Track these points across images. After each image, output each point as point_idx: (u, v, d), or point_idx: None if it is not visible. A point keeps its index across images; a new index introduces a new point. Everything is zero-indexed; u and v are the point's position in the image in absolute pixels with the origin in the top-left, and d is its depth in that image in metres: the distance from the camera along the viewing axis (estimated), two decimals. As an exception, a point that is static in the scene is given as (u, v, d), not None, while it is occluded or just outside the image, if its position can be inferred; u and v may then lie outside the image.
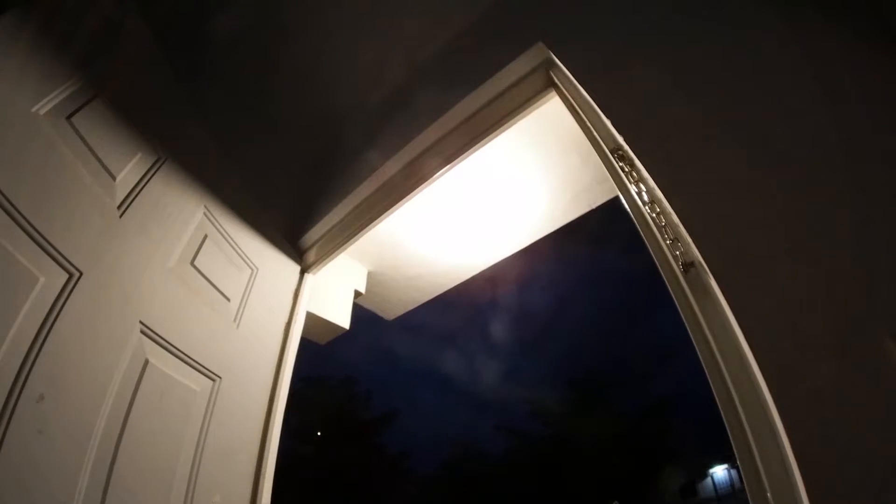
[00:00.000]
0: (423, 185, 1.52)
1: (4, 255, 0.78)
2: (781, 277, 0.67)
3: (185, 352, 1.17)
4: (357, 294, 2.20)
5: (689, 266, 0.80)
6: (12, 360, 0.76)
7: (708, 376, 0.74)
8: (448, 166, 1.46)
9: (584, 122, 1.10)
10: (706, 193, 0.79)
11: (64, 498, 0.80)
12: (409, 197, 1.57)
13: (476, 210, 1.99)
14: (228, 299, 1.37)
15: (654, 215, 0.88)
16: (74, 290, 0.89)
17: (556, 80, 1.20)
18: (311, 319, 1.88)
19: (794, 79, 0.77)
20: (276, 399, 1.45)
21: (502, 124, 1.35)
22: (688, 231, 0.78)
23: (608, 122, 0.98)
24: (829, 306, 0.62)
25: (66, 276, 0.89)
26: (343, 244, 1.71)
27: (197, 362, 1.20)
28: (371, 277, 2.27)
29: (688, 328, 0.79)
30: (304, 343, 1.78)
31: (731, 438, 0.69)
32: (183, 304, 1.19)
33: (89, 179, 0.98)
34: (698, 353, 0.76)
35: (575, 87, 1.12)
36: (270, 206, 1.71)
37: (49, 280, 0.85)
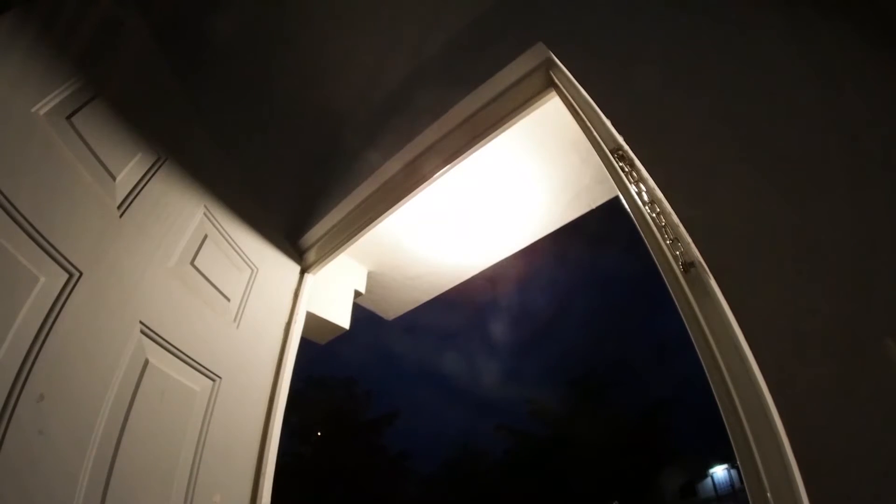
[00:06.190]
0: (423, 185, 1.52)
1: (4, 255, 0.78)
2: (781, 277, 0.67)
3: (185, 352, 1.17)
4: (357, 294, 2.20)
5: (689, 266, 0.80)
6: (12, 360, 0.76)
7: (708, 376, 0.74)
8: (448, 166, 1.46)
9: (584, 122, 1.10)
10: (706, 193, 0.79)
11: (64, 498, 0.80)
12: (409, 197, 1.57)
13: (476, 210, 1.98)
14: (228, 299, 1.37)
15: (654, 215, 0.88)
16: (74, 291, 0.89)
17: (556, 80, 1.20)
18: (311, 319, 1.88)
19: (793, 78, 0.77)
20: (276, 399, 1.45)
21: (502, 124, 1.35)
22: (688, 231, 0.78)
23: (608, 122, 0.98)
24: (828, 306, 0.62)
25: (66, 276, 0.89)
26: (343, 244, 1.71)
27: (197, 362, 1.20)
28: (371, 277, 2.27)
29: (688, 328, 0.79)
30: (305, 343, 1.78)
31: (731, 438, 0.69)
32: (183, 304, 1.19)
33: (89, 179, 0.98)
34: (698, 353, 0.76)
35: (575, 87, 1.12)
36: (270, 206, 1.71)
37: (49, 280, 0.85)
